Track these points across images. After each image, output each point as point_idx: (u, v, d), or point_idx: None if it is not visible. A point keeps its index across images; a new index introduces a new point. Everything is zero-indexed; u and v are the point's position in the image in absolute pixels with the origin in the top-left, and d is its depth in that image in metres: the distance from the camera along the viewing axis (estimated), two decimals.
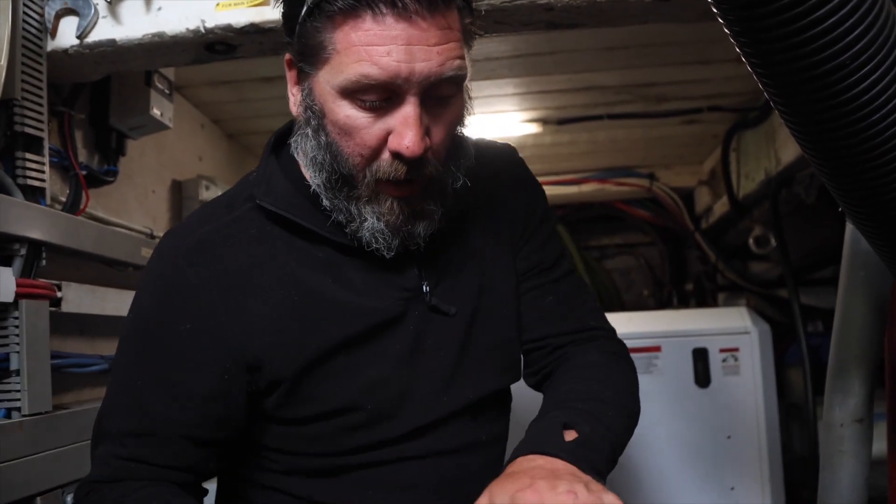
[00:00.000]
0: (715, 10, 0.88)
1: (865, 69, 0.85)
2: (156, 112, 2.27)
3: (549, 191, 4.52)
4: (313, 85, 1.18)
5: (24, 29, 1.71)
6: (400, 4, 1.05)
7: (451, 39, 1.11)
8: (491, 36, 1.87)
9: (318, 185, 1.22)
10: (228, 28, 1.74)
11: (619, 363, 1.42)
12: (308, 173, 1.24)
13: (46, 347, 1.69)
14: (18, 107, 1.70)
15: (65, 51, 1.81)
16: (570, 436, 1.15)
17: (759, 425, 3.07)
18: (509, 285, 1.41)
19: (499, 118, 3.62)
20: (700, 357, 3.14)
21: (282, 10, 1.22)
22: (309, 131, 1.21)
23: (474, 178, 1.35)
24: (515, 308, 1.41)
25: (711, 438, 3.08)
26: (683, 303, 4.99)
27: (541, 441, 1.13)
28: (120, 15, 1.79)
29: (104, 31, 1.79)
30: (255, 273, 1.23)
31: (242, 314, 1.21)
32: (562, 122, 3.66)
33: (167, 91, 2.35)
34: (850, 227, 1.46)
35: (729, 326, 3.19)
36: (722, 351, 3.14)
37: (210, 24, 1.75)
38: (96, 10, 1.78)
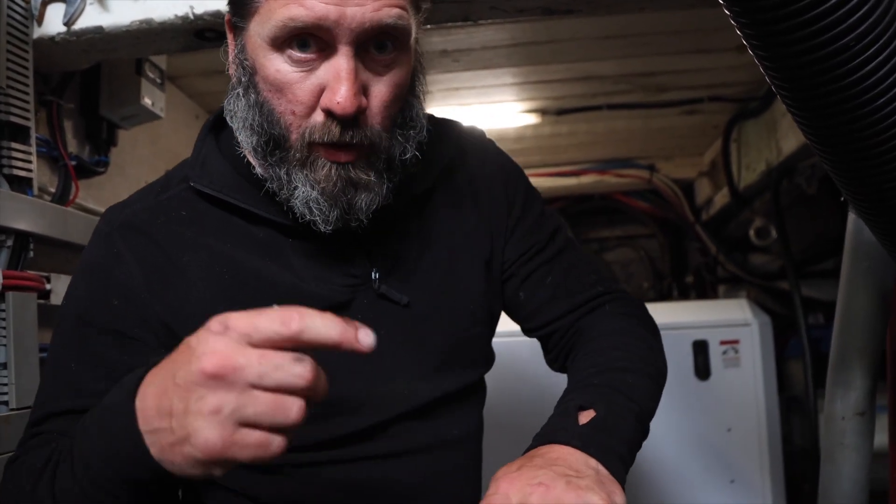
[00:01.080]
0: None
1: (869, 52, 0.83)
2: (147, 101, 2.23)
3: (548, 182, 4.57)
4: (245, 40, 1.11)
5: (8, 16, 1.68)
6: None
7: None
8: (487, 24, 1.84)
9: (251, 151, 1.14)
10: (218, 14, 1.71)
11: (633, 323, 1.35)
12: (240, 138, 1.15)
13: (34, 340, 1.66)
14: (3, 95, 1.67)
15: (51, 38, 1.77)
16: (585, 417, 1.10)
17: (760, 418, 3.06)
18: (474, 280, 1.33)
19: (497, 108, 3.59)
20: (700, 349, 3.12)
21: None
22: (240, 90, 1.13)
23: (438, 160, 1.30)
24: (481, 304, 1.33)
25: (712, 431, 3.07)
26: (684, 295, 4.98)
27: (555, 428, 1.09)
28: (107, 1, 1.75)
29: (91, 17, 1.76)
30: (185, 254, 1.17)
31: (168, 294, 1.15)
32: (561, 112, 3.63)
33: (159, 80, 2.32)
34: (852, 218, 1.43)
35: (729, 318, 3.18)
36: (722, 343, 3.13)
37: (199, 11, 1.71)
38: None
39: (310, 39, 1.04)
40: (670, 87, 3.39)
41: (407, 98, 1.16)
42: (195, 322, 1.09)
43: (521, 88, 3.36)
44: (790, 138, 2.98)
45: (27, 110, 1.73)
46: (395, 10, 1.04)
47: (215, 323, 0.81)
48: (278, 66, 1.06)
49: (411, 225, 1.29)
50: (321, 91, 1.06)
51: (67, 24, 1.75)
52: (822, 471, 1.60)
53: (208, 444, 0.76)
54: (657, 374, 1.27)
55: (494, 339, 1.41)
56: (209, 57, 2.51)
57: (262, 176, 1.15)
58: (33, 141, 1.76)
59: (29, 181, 1.74)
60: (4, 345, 1.59)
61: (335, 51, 1.04)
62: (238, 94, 1.14)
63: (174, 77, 2.89)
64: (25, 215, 1.67)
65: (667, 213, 4.84)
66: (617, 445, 1.07)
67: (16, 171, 1.70)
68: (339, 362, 1.16)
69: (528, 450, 1.08)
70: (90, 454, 0.89)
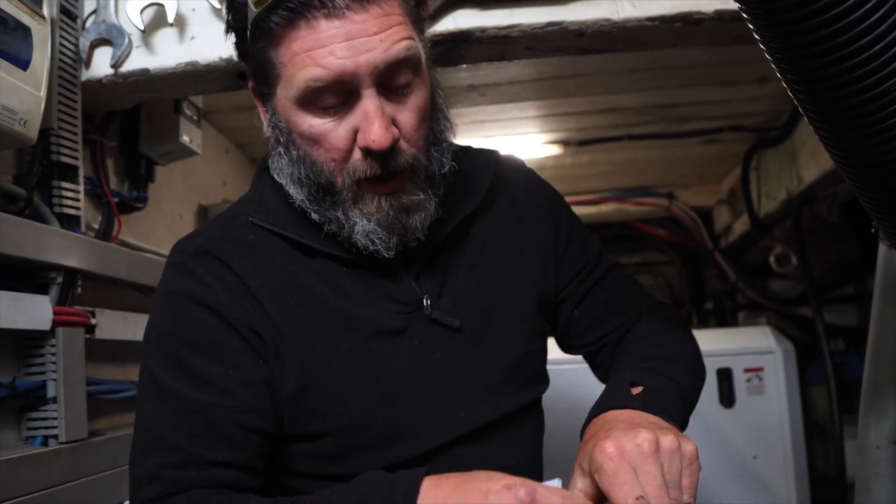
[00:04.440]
0: (745, 16, 0.87)
1: None
2: (185, 139, 2.28)
3: None
4: (275, 104, 1.19)
5: (60, 60, 1.73)
6: (329, 4, 1.06)
7: (394, 24, 1.11)
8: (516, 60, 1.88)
9: (303, 201, 1.21)
10: None
11: (676, 329, 1.41)
12: (290, 192, 1.22)
13: (82, 375, 1.70)
14: (55, 136, 1.72)
15: (99, 80, 1.82)
16: (636, 390, 1.16)
17: (785, 445, 3.06)
18: (525, 300, 1.36)
19: (520, 140, 3.63)
20: (724, 377, 3.13)
21: (233, 41, 1.23)
22: (280, 149, 1.21)
23: (479, 185, 1.35)
24: (533, 322, 1.37)
25: (737, 459, 3.07)
26: (703, 321, 4.98)
27: (610, 399, 1.15)
28: (153, 44, 1.80)
29: (138, 60, 1.81)
30: (255, 277, 1.22)
31: (252, 309, 1.20)
32: (582, 143, 3.67)
33: (195, 118, 2.36)
34: (883, 249, 1.45)
35: (753, 346, 3.19)
36: (746, 371, 3.14)
37: None
38: (130, 39, 1.80)
39: (332, 92, 1.11)
40: (691, 118, 3.42)
41: (432, 114, 1.22)
42: (275, 338, 1.19)
43: (545, 121, 3.40)
44: (811, 167, 3.01)
45: (76, 150, 1.78)
46: (404, 43, 1.11)
47: (523, 490, 0.94)
48: (310, 121, 1.14)
49: (456, 250, 1.33)
50: (354, 133, 1.14)
51: (115, 66, 1.80)
52: (856, 501, 1.60)
53: None
54: (699, 374, 1.36)
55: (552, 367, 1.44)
56: (240, 93, 2.55)
57: (319, 221, 1.22)
58: (81, 179, 1.81)
59: (77, 219, 1.79)
60: (54, 379, 1.61)
61: (359, 95, 1.12)
62: (279, 152, 1.22)
63: (206, 113, 2.92)
64: (74, 252, 1.70)
65: (685, 241, 4.85)
66: (671, 408, 1.14)
67: (65, 210, 1.75)
68: (399, 387, 1.22)
69: (587, 421, 1.15)
70: None
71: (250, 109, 2.84)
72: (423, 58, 1.18)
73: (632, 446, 0.96)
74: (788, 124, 3.27)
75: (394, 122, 1.14)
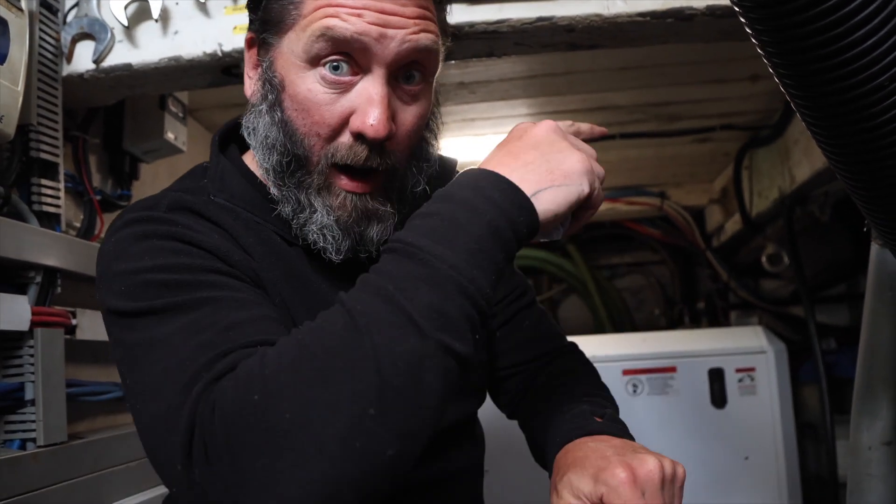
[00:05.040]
0: (737, 10, 0.85)
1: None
2: (170, 136, 2.25)
3: None
4: (275, 56, 1.11)
5: (40, 54, 1.70)
6: None
7: (428, 19, 1.07)
8: (506, 57, 1.86)
9: (268, 170, 1.13)
10: None
11: (589, 367, 1.44)
12: (257, 157, 1.14)
13: (62, 376, 1.66)
14: (34, 132, 1.69)
15: (80, 75, 1.80)
16: (598, 419, 1.16)
17: (777, 446, 3.05)
18: None
19: None
20: (716, 377, 3.12)
21: None
22: (264, 107, 1.13)
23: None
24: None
25: (729, 460, 3.06)
26: (695, 321, 4.97)
27: (579, 427, 1.13)
28: (136, 39, 1.78)
29: (120, 55, 1.78)
30: (243, 234, 1.12)
31: (249, 262, 1.09)
32: None
33: (181, 115, 2.34)
34: (875, 248, 1.44)
35: (745, 346, 3.18)
36: (738, 371, 3.13)
37: (227, 48, 1.73)
38: (112, 34, 1.77)
39: (343, 63, 1.05)
40: (684, 117, 3.40)
41: (423, 133, 1.18)
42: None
43: (536, 119, 3.34)
44: (803, 166, 2.99)
45: (56, 146, 1.75)
46: (432, 36, 1.07)
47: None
48: (310, 84, 1.07)
49: None
50: (349, 115, 1.07)
51: (97, 61, 1.77)
52: (848, 502, 1.59)
53: (581, 159, 0.95)
54: (608, 400, 1.34)
55: None
56: (226, 89, 2.53)
57: (276, 197, 1.15)
58: (62, 177, 1.78)
59: (57, 217, 1.75)
60: (33, 381, 1.58)
61: (369, 73, 1.06)
62: (261, 110, 1.13)
63: (192, 110, 2.90)
64: (54, 251, 1.67)
65: (677, 240, 4.84)
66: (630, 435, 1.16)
67: (45, 208, 1.71)
68: None
69: (558, 447, 1.13)
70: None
71: (238, 107, 2.80)
72: (438, 70, 1.15)
73: (643, 472, 0.96)
74: (781, 123, 3.25)
75: (392, 118, 1.08)
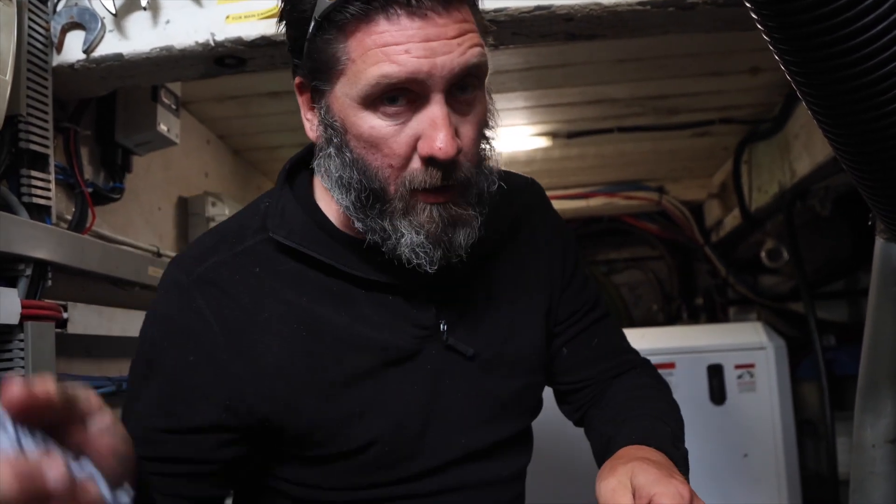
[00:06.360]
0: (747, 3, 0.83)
1: None
2: (162, 128, 2.23)
3: (558, 205, 4.48)
4: (331, 102, 1.13)
5: (29, 44, 1.67)
6: (414, 2, 1.01)
7: (469, 31, 1.07)
8: (503, 48, 1.83)
9: (348, 207, 1.16)
10: (239, 41, 1.71)
11: (662, 384, 1.47)
12: (335, 196, 1.17)
13: (53, 371, 1.65)
14: (23, 123, 1.66)
15: (71, 66, 1.77)
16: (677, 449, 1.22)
17: (777, 443, 3.04)
18: (535, 331, 1.36)
19: (508, 132, 3.58)
20: (715, 373, 3.11)
21: (286, 32, 1.18)
22: (332, 150, 1.15)
23: (504, 216, 1.32)
24: (540, 354, 1.38)
25: (728, 457, 3.04)
26: (693, 317, 4.96)
27: (657, 440, 1.20)
28: (127, 29, 1.75)
29: (111, 45, 1.75)
30: (263, 310, 1.19)
31: (246, 351, 1.17)
32: (571, 135, 3.62)
33: (174, 106, 2.31)
34: (880, 242, 1.42)
35: (744, 342, 3.16)
36: (737, 367, 3.12)
37: (220, 38, 1.71)
38: (103, 23, 1.74)
39: (399, 94, 1.07)
40: (682, 110, 3.38)
41: (485, 134, 1.20)
42: (274, 385, 1.17)
43: (533, 112, 3.35)
44: (804, 160, 2.97)
45: (46, 138, 1.73)
46: (478, 49, 1.08)
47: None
48: (372, 122, 1.09)
49: (476, 279, 1.31)
50: (415, 141, 1.09)
51: (87, 51, 1.74)
52: (850, 500, 1.58)
53: None
54: (679, 423, 1.38)
55: None
56: (222, 82, 2.50)
57: (363, 230, 1.17)
58: (52, 169, 1.76)
59: (48, 209, 1.73)
60: (23, 375, 1.56)
61: (427, 100, 1.07)
62: (330, 153, 1.16)
63: (186, 102, 2.87)
64: (44, 244, 1.65)
65: (675, 235, 4.83)
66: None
67: (35, 199, 1.69)
68: (412, 408, 1.23)
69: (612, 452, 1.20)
70: None
71: (233, 99, 2.77)
72: (488, 72, 1.15)
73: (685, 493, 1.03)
74: (781, 116, 3.23)
75: (456, 133, 1.10)
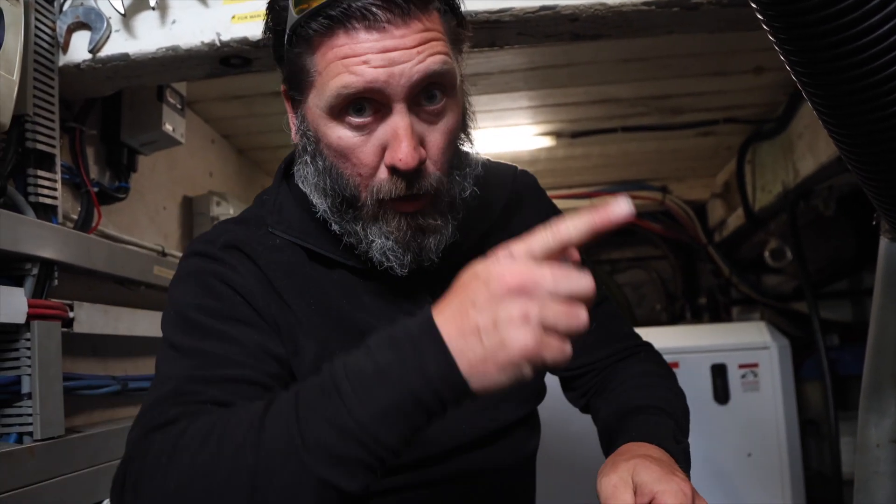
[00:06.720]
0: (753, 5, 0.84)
1: None
2: (168, 128, 2.23)
3: (561, 204, 4.48)
4: (305, 111, 1.17)
5: (35, 44, 1.68)
6: (371, 17, 1.04)
7: (432, 39, 1.09)
8: (507, 48, 1.84)
9: (325, 211, 1.21)
10: (244, 41, 1.71)
11: (662, 370, 1.47)
12: (313, 200, 1.22)
13: (59, 370, 1.65)
14: (30, 123, 1.67)
15: (77, 66, 1.78)
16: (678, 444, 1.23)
17: (780, 443, 3.04)
18: None
19: (512, 131, 3.58)
20: (719, 373, 3.10)
21: (270, 42, 1.21)
22: (307, 158, 1.20)
23: (495, 202, 1.35)
24: None
25: (732, 457, 3.04)
26: (697, 317, 4.96)
27: (658, 437, 1.21)
28: (133, 28, 1.75)
29: (117, 44, 1.76)
30: (282, 274, 1.22)
31: (276, 305, 1.19)
32: (575, 135, 3.62)
33: (179, 106, 2.32)
34: (884, 242, 1.42)
35: (748, 342, 3.16)
36: (741, 367, 3.11)
37: (226, 38, 1.71)
38: (109, 23, 1.75)
39: (365, 103, 1.10)
40: (686, 110, 3.38)
41: (459, 138, 1.21)
42: (289, 344, 1.18)
43: (537, 112, 3.35)
44: (807, 160, 2.97)
45: (52, 137, 1.73)
46: (439, 58, 1.09)
47: (501, 252, 0.89)
48: (339, 133, 1.12)
49: (470, 262, 1.31)
50: (383, 150, 1.12)
51: (93, 51, 1.75)
52: (855, 500, 1.58)
53: (526, 346, 0.83)
54: (685, 412, 1.41)
55: None
56: (226, 81, 2.50)
57: (339, 232, 1.22)
58: (58, 168, 1.76)
59: (54, 209, 1.74)
60: (29, 374, 1.57)
61: (390, 110, 1.10)
62: (306, 161, 1.21)
63: (191, 102, 2.87)
64: (51, 243, 1.66)
65: (679, 235, 4.82)
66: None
67: (41, 199, 1.70)
68: None
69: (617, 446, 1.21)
70: (362, 394, 0.88)
71: (237, 99, 2.77)
72: (458, 80, 1.17)
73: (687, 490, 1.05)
74: (785, 116, 3.23)
75: (421, 143, 1.12)
